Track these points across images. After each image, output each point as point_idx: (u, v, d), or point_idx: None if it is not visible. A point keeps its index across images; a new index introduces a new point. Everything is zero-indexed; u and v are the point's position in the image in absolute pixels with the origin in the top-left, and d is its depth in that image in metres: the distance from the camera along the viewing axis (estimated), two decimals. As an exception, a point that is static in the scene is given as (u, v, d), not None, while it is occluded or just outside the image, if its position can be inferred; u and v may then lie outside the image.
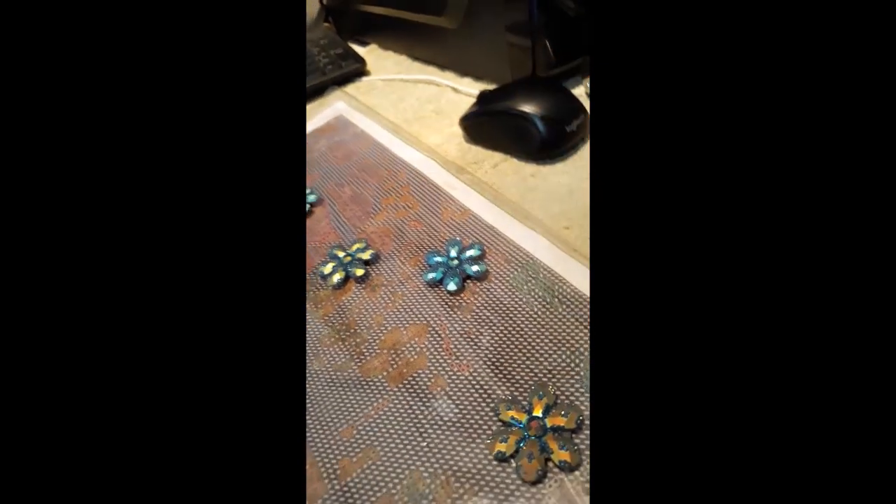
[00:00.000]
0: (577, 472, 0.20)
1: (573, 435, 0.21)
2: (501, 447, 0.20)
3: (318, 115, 0.49)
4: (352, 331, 0.26)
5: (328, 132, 0.45)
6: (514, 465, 0.20)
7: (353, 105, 0.48)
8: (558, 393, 0.22)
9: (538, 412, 0.21)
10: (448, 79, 0.47)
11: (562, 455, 0.20)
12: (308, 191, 0.38)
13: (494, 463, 0.20)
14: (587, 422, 0.21)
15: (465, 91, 0.44)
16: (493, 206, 0.31)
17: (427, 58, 0.51)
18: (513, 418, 0.21)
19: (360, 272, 0.29)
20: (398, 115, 0.44)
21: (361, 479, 0.21)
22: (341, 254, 0.31)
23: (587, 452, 0.20)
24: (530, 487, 0.19)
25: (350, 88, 0.52)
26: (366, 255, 0.30)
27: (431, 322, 0.25)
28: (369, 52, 0.58)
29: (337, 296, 0.29)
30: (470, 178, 0.34)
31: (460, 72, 0.47)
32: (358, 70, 0.53)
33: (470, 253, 0.28)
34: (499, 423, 0.21)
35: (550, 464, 0.20)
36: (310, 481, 0.21)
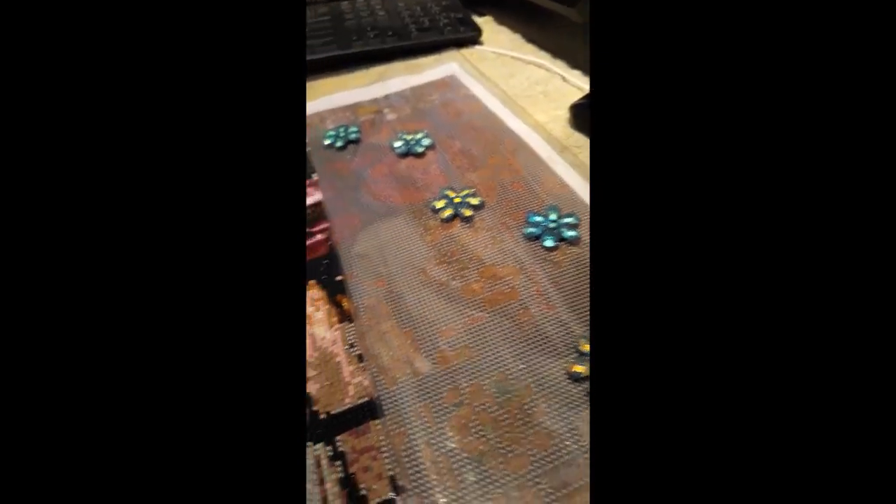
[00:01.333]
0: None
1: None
2: (579, 369, 0.25)
3: (432, 70, 0.53)
4: (455, 258, 0.31)
5: (441, 88, 0.50)
6: (584, 386, 0.25)
7: (466, 68, 0.52)
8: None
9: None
10: (559, 67, 0.50)
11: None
12: (423, 134, 0.43)
13: (569, 380, 0.25)
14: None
15: (573, 82, 0.48)
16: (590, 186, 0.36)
17: (542, 42, 0.55)
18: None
19: (467, 213, 0.34)
20: (507, 88, 0.48)
21: (458, 368, 0.26)
22: (452, 194, 0.36)
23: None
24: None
25: (464, 52, 0.56)
26: (475, 201, 0.35)
27: (526, 267, 0.30)
28: (484, 23, 0.61)
29: (444, 228, 0.33)
30: (572, 159, 0.38)
31: (572, 63, 0.51)
32: (473, 38, 0.57)
33: (567, 220, 0.32)
34: (576, 353, 0.26)
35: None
36: (413, 360, 0.26)
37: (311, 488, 0.22)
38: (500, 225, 0.33)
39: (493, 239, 0.32)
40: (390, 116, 0.48)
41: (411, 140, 0.43)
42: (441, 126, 0.45)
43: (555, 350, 0.26)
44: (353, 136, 0.45)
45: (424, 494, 0.21)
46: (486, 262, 0.31)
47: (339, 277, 0.31)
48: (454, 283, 0.30)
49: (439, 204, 0.35)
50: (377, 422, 0.24)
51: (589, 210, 0.33)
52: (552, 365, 0.25)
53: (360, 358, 0.27)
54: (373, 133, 0.46)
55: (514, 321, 0.27)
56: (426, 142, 0.42)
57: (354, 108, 0.50)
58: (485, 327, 0.27)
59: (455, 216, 0.34)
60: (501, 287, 0.29)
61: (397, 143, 0.43)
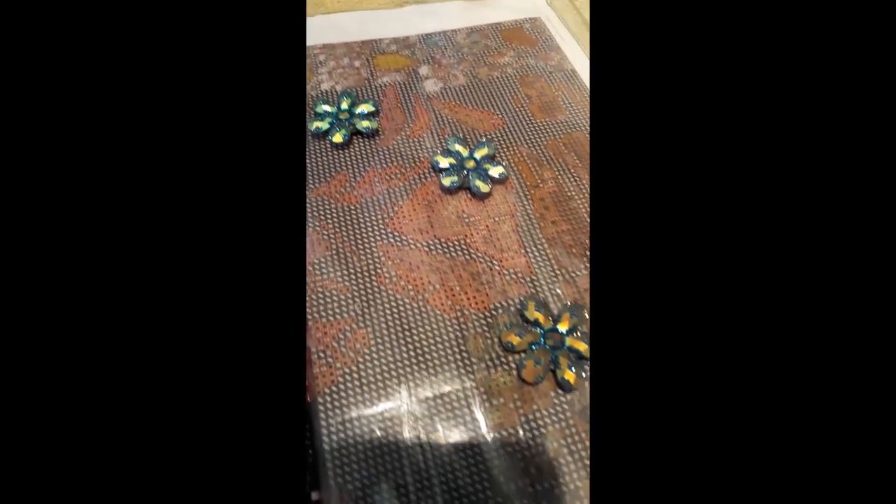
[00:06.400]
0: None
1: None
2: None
3: (501, 3, 0.42)
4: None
5: (516, 41, 0.40)
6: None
7: (561, 10, 0.43)
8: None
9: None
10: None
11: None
12: (490, 147, 0.30)
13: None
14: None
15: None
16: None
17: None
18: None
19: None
20: None
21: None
22: (547, 325, 0.24)
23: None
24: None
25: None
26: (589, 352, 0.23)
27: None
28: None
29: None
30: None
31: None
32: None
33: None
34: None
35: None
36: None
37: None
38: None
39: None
40: (431, 84, 0.36)
41: (468, 159, 0.30)
42: (518, 127, 0.33)
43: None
44: (363, 125, 0.32)
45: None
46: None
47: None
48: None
49: (531, 373, 0.22)
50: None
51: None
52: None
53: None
54: (400, 118, 0.34)
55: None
56: (497, 170, 0.29)
57: (369, 50, 0.38)
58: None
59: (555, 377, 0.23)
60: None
61: (444, 164, 0.29)
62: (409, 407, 0.22)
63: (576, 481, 0.21)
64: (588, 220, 0.28)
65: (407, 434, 0.22)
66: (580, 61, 0.38)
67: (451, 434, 0.22)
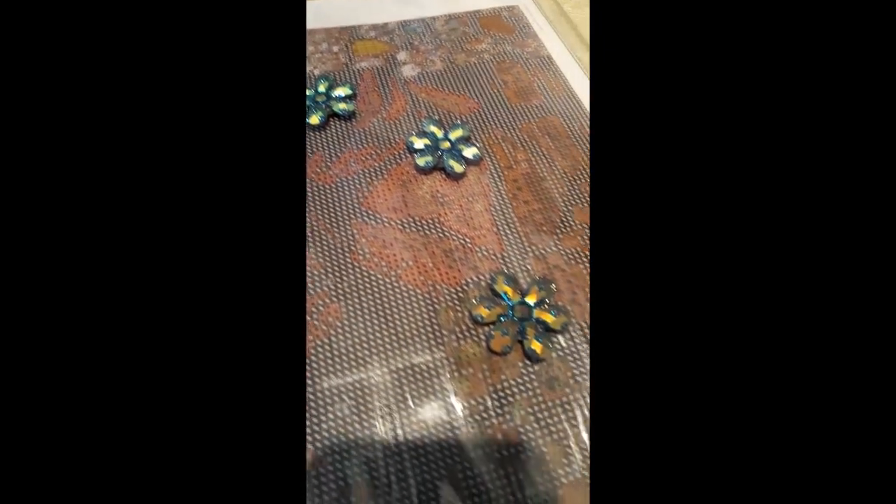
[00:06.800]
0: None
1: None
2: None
3: None
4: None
5: (493, 28, 0.40)
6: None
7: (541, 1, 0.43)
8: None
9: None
10: None
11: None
12: (464, 130, 0.31)
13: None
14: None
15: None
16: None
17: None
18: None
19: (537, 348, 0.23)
20: None
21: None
22: (515, 298, 0.24)
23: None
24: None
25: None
26: (555, 321, 0.24)
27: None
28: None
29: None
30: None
31: None
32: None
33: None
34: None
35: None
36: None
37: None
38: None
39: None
40: (409, 69, 0.36)
41: (443, 140, 0.30)
42: (495, 112, 0.34)
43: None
44: (340, 108, 0.32)
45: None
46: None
47: None
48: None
49: (499, 344, 0.23)
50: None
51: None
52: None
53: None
54: (377, 102, 0.34)
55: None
56: (471, 151, 0.29)
57: (348, 36, 0.38)
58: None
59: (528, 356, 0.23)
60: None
61: (419, 145, 0.30)
62: (380, 377, 0.23)
63: (541, 447, 0.21)
64: (560, 200, 0.29)
65: (377, 403, 0.22)
66: (556, 48, 0.39)
67: (421, 403, 0.22)
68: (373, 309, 0.25)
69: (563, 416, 0.22)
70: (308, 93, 0.33)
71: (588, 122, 0.33)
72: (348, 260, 0.26)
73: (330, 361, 0.23)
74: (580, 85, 0.36)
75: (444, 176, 0.30)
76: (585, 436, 0.21)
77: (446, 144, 0.30)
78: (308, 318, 0.24)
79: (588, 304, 0.25)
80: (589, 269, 0.26)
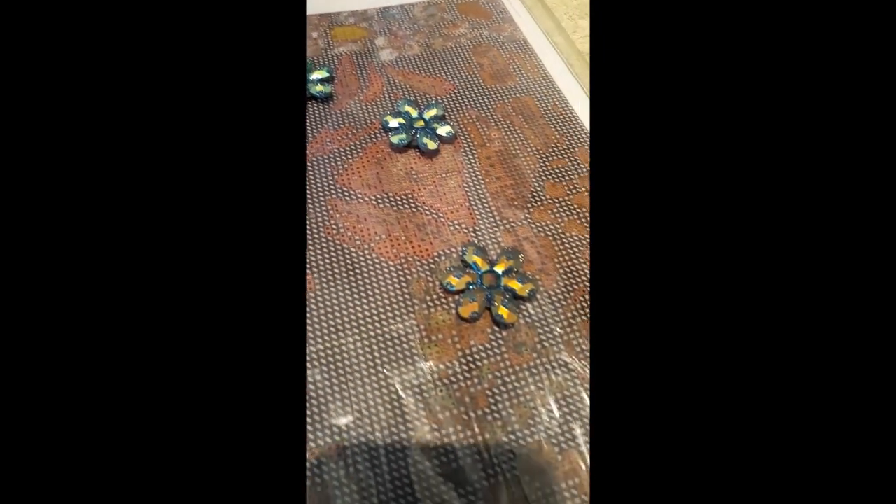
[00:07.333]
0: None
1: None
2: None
3: None
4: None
5: (471, 14, 0.41)
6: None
7: None
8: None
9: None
10: None
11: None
12: (439, 108, 0.32)
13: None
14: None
15: None
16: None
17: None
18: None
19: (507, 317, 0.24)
20: (579, 41, 0.39)
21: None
22: (484, 267, 0.25)
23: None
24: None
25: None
26: (521, 289, 0.24)
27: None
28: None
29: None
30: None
31: None
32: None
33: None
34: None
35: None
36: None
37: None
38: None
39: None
40: (387, 54, 0.37)
41: (418, 119, 0.31)
42: (469, 91, 0.34)
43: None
44: (317, 90, 0.32)
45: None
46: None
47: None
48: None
49: (467, 310, 0.24)
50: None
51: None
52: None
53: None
54: (354, 84, 0.34)
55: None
56: (444, 129, 0.30)
57: (327, 23, 0.39)
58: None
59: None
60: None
61: (394, 124, 0.31)
62: (352, 345, 0.23)
63: (508, 409, 0.22)
64: (531, 175, 0.30)
65: (349, 370, 0.22)
66: (532, 32, 0.39)
67: (392, 368, 0.23)
68: (345, 280, 0.25)
69: (529, 380, 0.23)
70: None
71: (562, 102, 0.34)
72: (322, 234, 0.27)
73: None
74: (555, 67, 0.36)
75: (418, 154, 0.30)
76: (551, 398, 0.22)
77: (420, 123, 0.31)
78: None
79: (556, 274, 0.26)
80: (558, 242, 0.27)
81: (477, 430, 0.21)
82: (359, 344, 0.23)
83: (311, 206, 0.28)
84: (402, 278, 0.25)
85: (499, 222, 0.28)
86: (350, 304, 0.24)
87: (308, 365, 0.23)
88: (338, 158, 0.30)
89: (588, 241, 0.27)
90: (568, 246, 0.27)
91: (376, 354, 0.23)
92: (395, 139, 0.30)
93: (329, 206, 0.28)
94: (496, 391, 0.22)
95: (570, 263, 0.26)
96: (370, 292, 0.25)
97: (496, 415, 0.22)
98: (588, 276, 0.26)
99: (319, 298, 0.24)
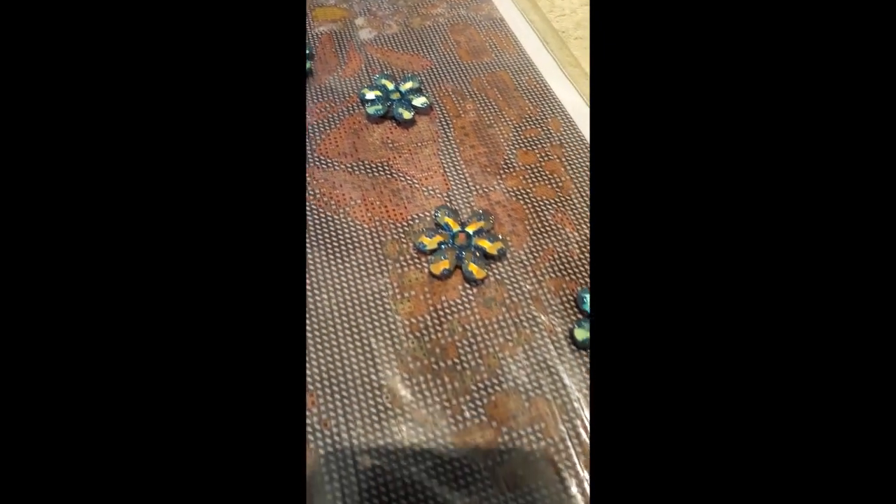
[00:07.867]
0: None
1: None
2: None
3: None
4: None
5: None
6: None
7: None
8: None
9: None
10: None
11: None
12: (415, 81, 0.32)
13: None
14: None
15: None
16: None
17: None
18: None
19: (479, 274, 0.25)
20: (555, 21, 0.40)
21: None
22: (455, 227, 0.26)
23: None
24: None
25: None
26: (491, 248, 0.25)
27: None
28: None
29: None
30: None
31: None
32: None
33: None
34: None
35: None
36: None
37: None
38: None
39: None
40: (366, 33, 0.37)
41: (394, 92, 0.32)
42: (446, 67, 0.35)
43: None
44: None
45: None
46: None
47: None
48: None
49: (439, 267, 0.24)
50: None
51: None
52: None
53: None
54: (333, 61, 0.35)
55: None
56: (420, 100, 0.31)
57: (308, 4, 0.39)
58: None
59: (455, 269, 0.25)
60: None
61: (370, 96, 0.31)
62: (326, 302, 0.24)
63: (477, 360, 0.23)
64: (505, 144, 0.30)
65: (324, 326, 0.23)
66: (509, 11, 0.40)
67: (366, 323, 0.23)
68: (322, 242, 0.26)
69: (497, 332, 0.23)
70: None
71: (537, 75, 0.35)
72: (301, 201, 0.28)
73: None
74: (531, 44, 0.37)
75: (394, 124, 0.31)
76: (519, 349, 0.23)
77: (396, 95, 0.32)
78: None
79: (527, 235, 0.26)
80: (529, 206, 0.28)
81: (446, 378, 0.22)
82: (334, 301, 0.24)
83: (289, 175, 0.29)
84: (376, 240, 0.26)
85: (472, 188, 0.28)
86: (325, 264, 0.25)
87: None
88: (316, 131, 0.31)
89: (559, 204, 0.28)
90: (539, 209, 0.28)
91: (350, 310, 0.24)
92: (370, 110, 0.30)
93: (307, 176, 0.29)
94: (465, 342, 0.23)
95: (540, 226, 0.27)
96: (344, 253, 0.26)
97: (465, 364, 0.22)
98: (558, 238, 0.26)
99: (296, 261, 0.25)
